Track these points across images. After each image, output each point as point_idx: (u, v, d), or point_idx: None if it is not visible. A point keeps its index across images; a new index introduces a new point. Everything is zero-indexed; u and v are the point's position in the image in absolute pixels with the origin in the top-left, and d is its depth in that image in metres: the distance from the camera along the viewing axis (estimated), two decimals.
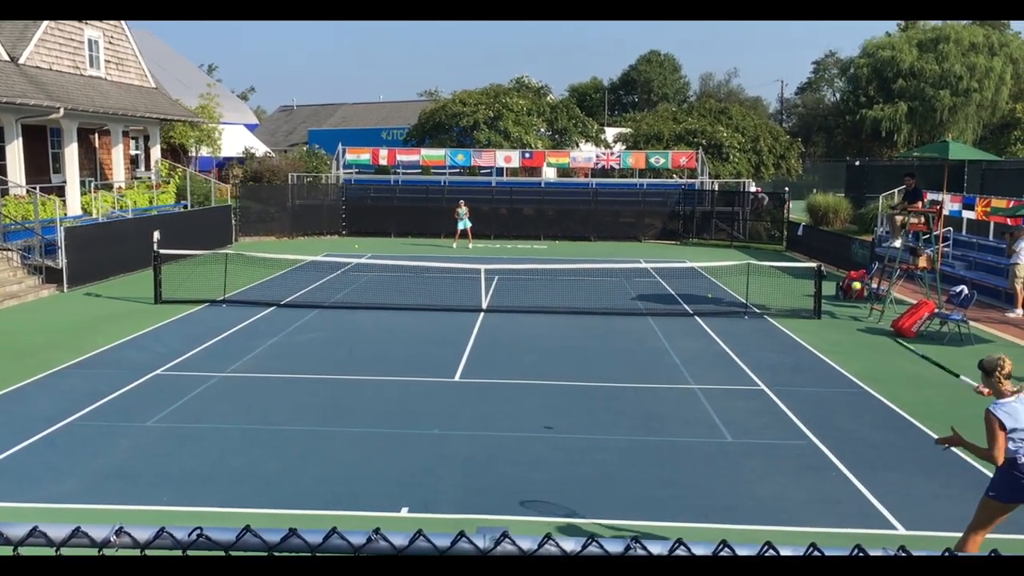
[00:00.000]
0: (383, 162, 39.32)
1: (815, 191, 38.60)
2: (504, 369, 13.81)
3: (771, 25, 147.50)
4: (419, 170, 40.57)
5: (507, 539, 1.67)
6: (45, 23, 25.16)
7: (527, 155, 39.69)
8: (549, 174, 42.57)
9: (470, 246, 30.84)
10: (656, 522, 8.14)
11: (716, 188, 37.68)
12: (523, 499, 8.62)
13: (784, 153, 45.51)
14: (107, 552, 1.62)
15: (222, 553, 1.63)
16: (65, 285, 20.68)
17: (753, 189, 38.09)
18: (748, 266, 20.32)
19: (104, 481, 8.97)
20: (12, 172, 23.29)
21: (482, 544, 1.69)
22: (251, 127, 51.29)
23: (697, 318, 18.36)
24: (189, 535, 1.61)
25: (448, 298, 19.90)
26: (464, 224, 31.19)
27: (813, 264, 20.09)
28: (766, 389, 12.80)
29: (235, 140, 44.12)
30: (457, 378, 13.29)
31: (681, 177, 39.53)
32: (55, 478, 9.00)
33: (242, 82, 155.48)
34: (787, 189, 35.95)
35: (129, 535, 1.61)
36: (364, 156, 38.92)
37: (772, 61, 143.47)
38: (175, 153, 37.43)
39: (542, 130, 46.37)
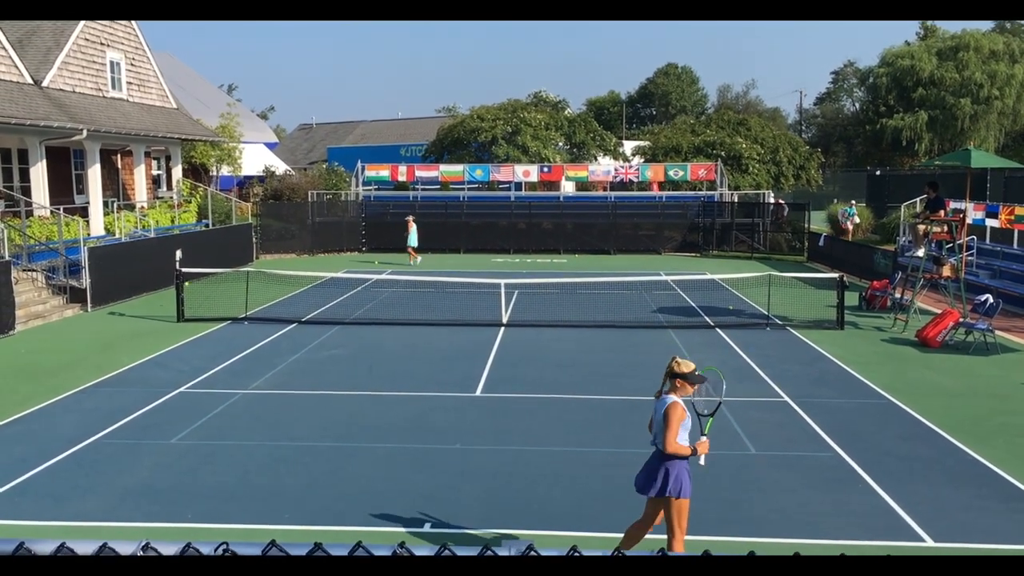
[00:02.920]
0: (402, 178, 39.49)
1: (836, 201, 38.35)
2: (525, 384, 13.78)
3: (788, 36, 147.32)
4: (438, 186, 40.72)
5: (532, 551, 1.67)
6: (68, 46, 25.47)
7: (545, 169, 39.73)
8: (568, 188, 42.61)
9: (415, 261, 30.61)
10: None
11: (736, 200, 37.57)
12: (545, 514, 8.57)
13: (804, 164, 45.31)
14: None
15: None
16: (89, 304, 20.85)
17: (772, 200, 37.93)
18: (769, 277, 20.23)
19: (129, 499, 9.00)
20: (36, 193, 23.55)
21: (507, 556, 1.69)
22: (271, 146, 51.68)
23: (718, 330, 18.27)
24: (216, 550, 1.61)
25: (468, 313, 19.90)
26: (412, 241, 30.81)
27: (835, 275, 19.95)
28: (790, 401, 12.70)
29: (255, 159, 44.47)
30: (478, 393, 13.27)
31: (700, 189, 39.47)
32: (80, 496, 9.05)
33: (262, 101, 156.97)
34: (853, 203, 35.15)
35: (156, 551, 1.62)
36: (383, 173, 39.14)
37: (790, 72, 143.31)
38: (196, 172, 37.76)
39: (560, 144, 46.44)
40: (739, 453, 10.40)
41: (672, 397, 7.14)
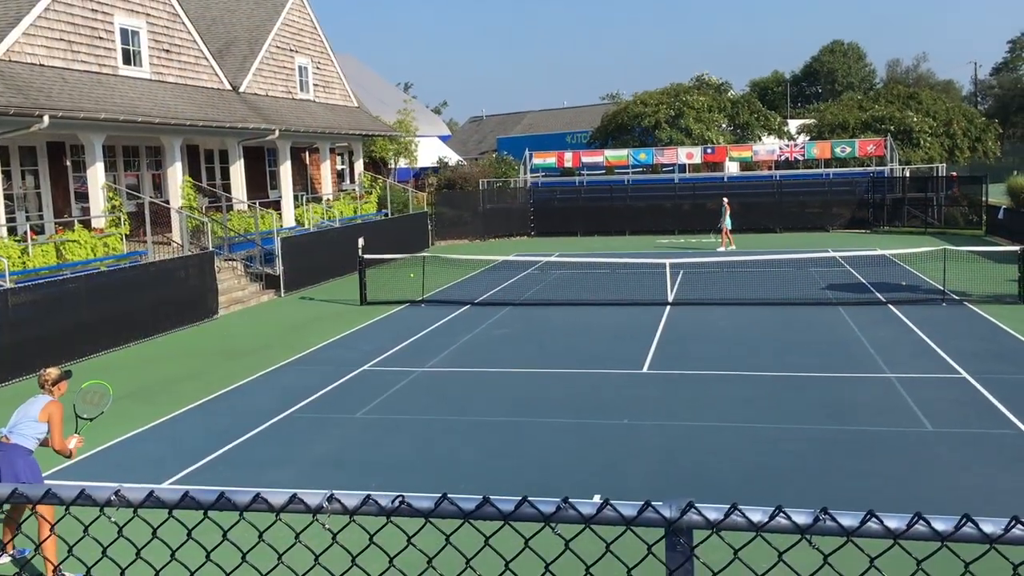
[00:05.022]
0: (568, 164, 39.99)
1: (1016, 173, 35.90)
2: (691, 360, 13.92)
3: (960, 6, 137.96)
4: (603, 171, 40.96)
5: (692, 509, 1.81)
6: (261, 53, 27.34)
7: (709, 151, 39.32)
8: (731, 168, 41.93)
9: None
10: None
11: (907, 174, 36.07)
12: (711, 489, 8.66)
13: (980, 136, 42.97)
14: (319, 517, 1.95)
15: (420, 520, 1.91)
16: (282, 290, 22.49)
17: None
18: (944, 252, 19.36)
19: (319, 468, 9.75)
20: (236, 189, 25.49)
21: (668, 513, 1.76)
22: (444, 138, 53.26)
23: (891, 306, 17.71)
24: (392, 503, 1.90)
25: (634, 293, 20.10)
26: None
27: (1016, 248, 18.88)
28: (968, 377, 12.28)
29: (430, 151, 46.09)
30: (645, 370, 13.53)
31: (869, 165, 38.07)
32: (276, 465, 9.82)
33: (435, 97, 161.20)
34: None
35: (339, 502, 1.91)
36: (550, 160, 39.75)
37: (963, 43, 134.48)
38: (376, 166, 39.59)
39: (724, 126, 45.77)
40: (912, 430, 10.18)
41: None
